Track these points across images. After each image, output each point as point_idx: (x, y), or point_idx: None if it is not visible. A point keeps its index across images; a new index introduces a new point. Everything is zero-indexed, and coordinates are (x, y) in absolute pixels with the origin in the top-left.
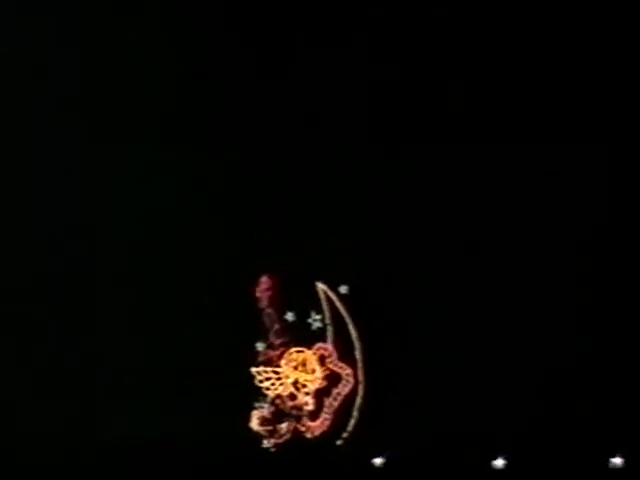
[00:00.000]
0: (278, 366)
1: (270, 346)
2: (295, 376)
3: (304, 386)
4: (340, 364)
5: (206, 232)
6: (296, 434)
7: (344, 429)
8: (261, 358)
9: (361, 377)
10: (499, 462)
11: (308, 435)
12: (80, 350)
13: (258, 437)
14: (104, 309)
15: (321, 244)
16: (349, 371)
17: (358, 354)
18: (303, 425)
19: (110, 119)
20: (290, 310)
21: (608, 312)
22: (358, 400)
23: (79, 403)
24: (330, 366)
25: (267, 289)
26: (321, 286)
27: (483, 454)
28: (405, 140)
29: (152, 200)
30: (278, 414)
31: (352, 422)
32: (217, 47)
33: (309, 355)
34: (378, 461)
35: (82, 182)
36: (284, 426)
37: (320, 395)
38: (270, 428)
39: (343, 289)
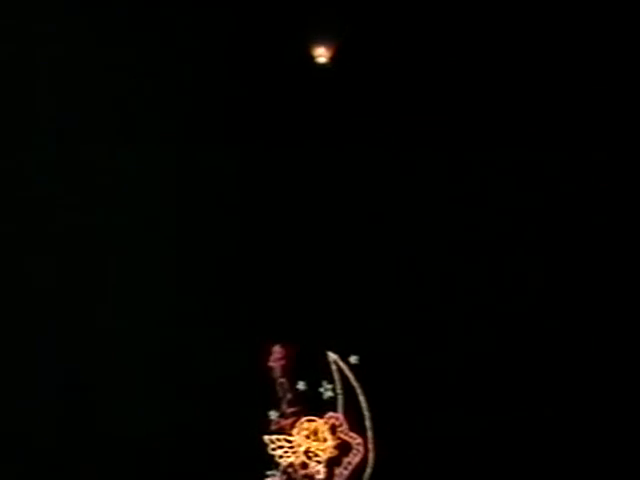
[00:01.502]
0: (290, 435)
1: (282, 415)
2: (307, 445)
3: (316, 455)
4: (351, 434)
5: (217, 302)
6: None
7: None
8: (274, 427)
9: (371, 446)
10: None
11: None
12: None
13: None
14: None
15: (332, 315)
16: (359, 440)
17: (368, 423)
18: None
19: (110, 119)
20: (302, 379)
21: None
22: (368, 470)
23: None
24: (341, 435)
25: (280, 358)
26: (332, 356)
27: None
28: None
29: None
30: None
31: None
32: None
33: (320, 424)
34: None
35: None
36: None
37: (331, 464)
38: None
39: (353, 359)
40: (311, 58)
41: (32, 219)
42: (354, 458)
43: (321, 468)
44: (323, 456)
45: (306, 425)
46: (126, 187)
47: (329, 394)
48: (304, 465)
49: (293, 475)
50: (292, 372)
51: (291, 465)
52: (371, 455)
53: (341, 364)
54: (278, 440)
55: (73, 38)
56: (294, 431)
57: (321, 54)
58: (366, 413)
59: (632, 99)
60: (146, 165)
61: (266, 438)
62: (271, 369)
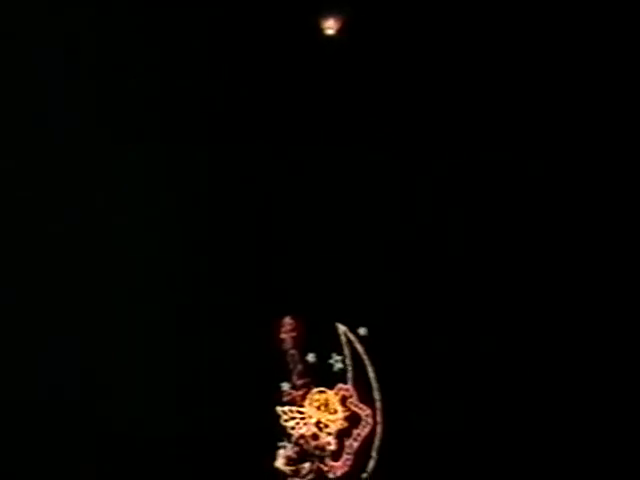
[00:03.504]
0: (302, 406)
1: (294, 387)
2: (318, 416)
3: (326, 426)
4: (360, 405)
5: (230, 277)
6: (319, 474)
7: (364, 469)
8: (286, 398)
9: (379, 418)
10: None
11: (330, 475)
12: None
13: (283, 476)
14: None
15: (341, 287)
16: (368, 412)
17: (377, 395)
18: (326, 465)
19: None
20: (312, 352)
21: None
22: (377, 441)
23: None
24: (351, 407)
25: (290, 330)
26: (342, 328)
27: None
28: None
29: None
30: (302, 454)
31: (371, 463)
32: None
33: (331, 396)
34: None
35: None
36: (306, 466)
37: (341, 436)
38: (294, 468)
39: (362, 331)
40: (319, 31)
41: (33, 217)
42: (363, 430)
43: (332, 439)
44: (333, 427)
45: (317, 397)
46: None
47: (339, 366)
48: (315, 436)
49: (305, 446)
50: (302, 344)
51: (302, 437)
52: (380, 427)
53: (350, 336)
54: (290, 411)
55: (72, 38)
56: (305, 402)
57: (329, 26)
58: (375, 385)
59: (631, 99)
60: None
61: (279, 409)
62: (282, 341)
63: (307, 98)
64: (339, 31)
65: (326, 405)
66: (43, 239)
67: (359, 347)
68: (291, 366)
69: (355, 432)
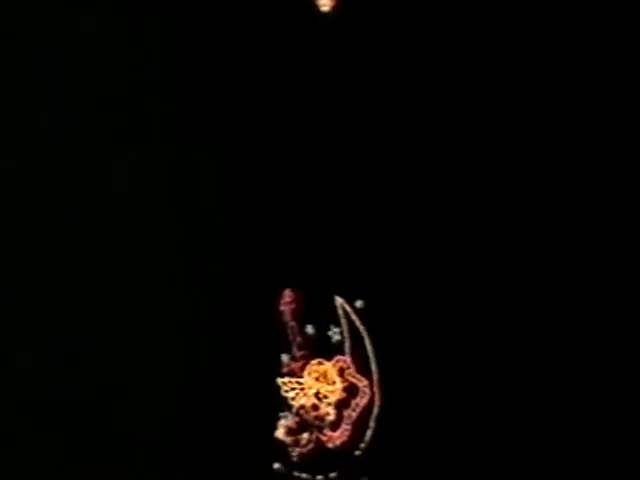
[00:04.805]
0: (301, 377)
1: (293, 358)
2: (317, 387)
3: (325, 397)
4: (357, 376)
5: (229, 248)
6: (318, 444)
7: (362, 440)
8: (285, 369)
9: (377, 388)
10: None
11: (329, 445)
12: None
13: (284, 446)
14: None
15: (339, 261)
16: (366, 382)
17: (374, 366)
18: (325, 435)
19: (113, 119)
20: (310, 323)
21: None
22: (375, 411)
23: None
24: (348, 378)
25: (290, 302)
26: (339, 300)
27: (501, 465)
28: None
29: (169, 211)
30: (302, 424)
31: (369, 433)
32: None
33: (329, 367)
34: None
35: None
36: (306, 436)
37: (340, 406)
38: (294, 438)
39: (359, 303)
40: (314, 7)
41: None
42: (361, 400)
43: (331, 410)
44: (332, 398)
45: (315, 368)
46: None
47: (337, 337)
48: (315, 407)
49: (305, 416)
50: (301, 316)
51: (302, 407)
52: (377, 397)
53: (347, 308)
54: (290, 382)
55: (71, 38)
56: (304, 373)
57: (324, 3)
58: (372, 356)
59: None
60: None
61: (279, 381)
62: (281, 313)
63: (301, 73)
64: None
65: (325, 376)
66: (43, 239)
67: (356, 319)
68: (290, 338)
69: (353, 402)
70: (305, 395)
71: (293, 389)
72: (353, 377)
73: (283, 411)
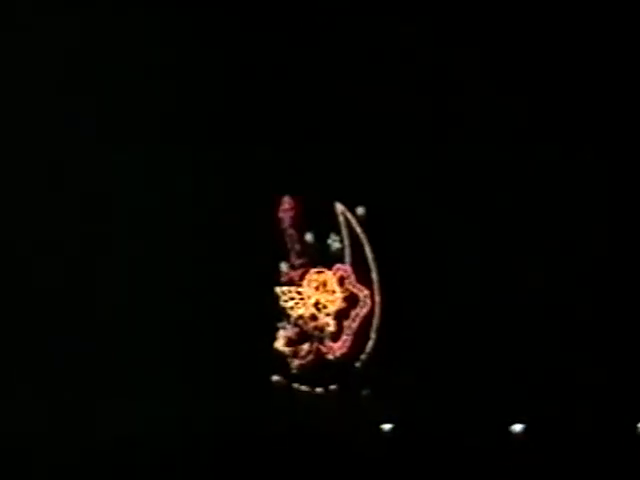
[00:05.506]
0: (300, 286)
1: (292, 267)
2: (316, 297)
3: (325, 307)
4: (358, 285)
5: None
6: (318, 355)
7: (363, 351)
8: (284, 278)
9: (378, 299)
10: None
11: (329, 356)
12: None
13: (283, 357)
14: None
15: (339, 166)
16: (366, 292)
17: (374, 275)
18: (325, 346)
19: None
20: (309, 231)
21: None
22: (375, 322)
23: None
24: (349, 287)
25: (289, 209)
26: (339, 207)
27: (501, 382)
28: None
29: None
30: (301, 335)
31: (370, 344)
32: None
33: (329, 276)
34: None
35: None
36: (306, 347)
37: (340, 317)
38: (293, 349)
39: (360, 211)
40: None
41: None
42: (362, 310)
43: (330, 320)
44: (332, 308)
45: (315, 277)
46: None
47: (337, 246)
48: (314, 317)
49: (304, 327)
50: (301, 224)
51: (301, 317)
52: (378, 307)
53: (348, 215)
54: (289, 292)
55: (71, 38)
56: (304, 283)
57: None
58: (373, 265)
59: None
60: None
61: (277, 290)
62: (280, 220)
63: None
64: None
65: (324, 285)
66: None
67: (357, 227)
68: (289, 246)
69: (353, 313)
70: (304, 305)
71: (292, 299)
72: (353, 287)
73: (282, 321)
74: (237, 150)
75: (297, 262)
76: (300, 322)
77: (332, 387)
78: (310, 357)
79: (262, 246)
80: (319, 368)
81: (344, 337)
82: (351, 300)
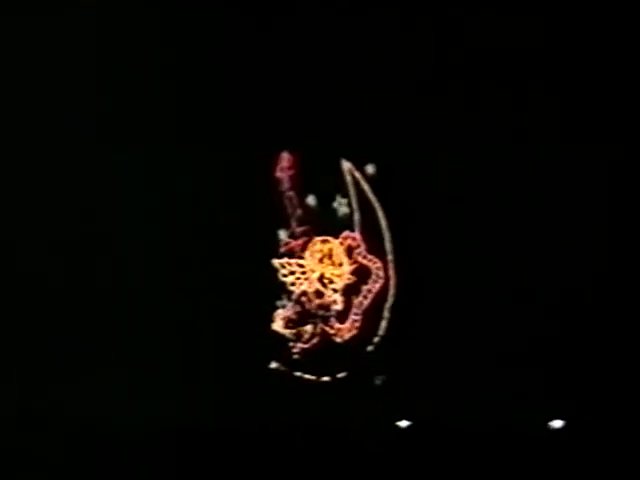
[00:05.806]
0: (302, 258)
1: (292, 235)
2: (321, 270)
3: (331, 282)
4: (369, 256)
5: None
6: (324, 338)
7: (375, 333)
8: (283, 249)
9: (392, 272)
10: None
11: (337, 339)
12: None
13: (283, 341)
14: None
15: (345, 117)
16: (379, 264)
17: (388, 245)
18: (331, 327)
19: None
20: (312, 193)
21: None
22: (389, 299)
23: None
24: (359, 258)
25: (288, 167)
26: (346, 165)
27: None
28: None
29: None
30: (304, 314)
31: (383, 324)
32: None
33: (335, 245)
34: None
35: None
36: (309, 328)
37: (349, 293)
38: (295, 331)
39: (370, 169)
40: None
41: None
42: (374, 285)
43: (338, 297)
44: (339, 283)
45: (319, 247)
46: None
47: (344, 210)
48: (319, 294)
49: (307, 305)
50: (302, 184)
51: (304, 294)
52: (392, 282)
53: (356, 174)
54: (289, 264)
55: (70, 38)
56: (306, 254)
57: None
58: (386, 233)
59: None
60: None
61: (275, 262)
62: (278, 180)
63: None
64: None
65: (330, 256)
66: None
67: (367, 188)
68: (289, 211)
69: (364, 288)
70: (307, 280)
71: (293, 272)
72: (364, 258)
73: (281, 299)
74: (238, 150)
75: (298, 230)
76: (302, 300)
77: (340, 375)
78: (314, 340)
79: (256, 212)
80: (325, 353)
81: (353, 317)
82: (361, 274)
